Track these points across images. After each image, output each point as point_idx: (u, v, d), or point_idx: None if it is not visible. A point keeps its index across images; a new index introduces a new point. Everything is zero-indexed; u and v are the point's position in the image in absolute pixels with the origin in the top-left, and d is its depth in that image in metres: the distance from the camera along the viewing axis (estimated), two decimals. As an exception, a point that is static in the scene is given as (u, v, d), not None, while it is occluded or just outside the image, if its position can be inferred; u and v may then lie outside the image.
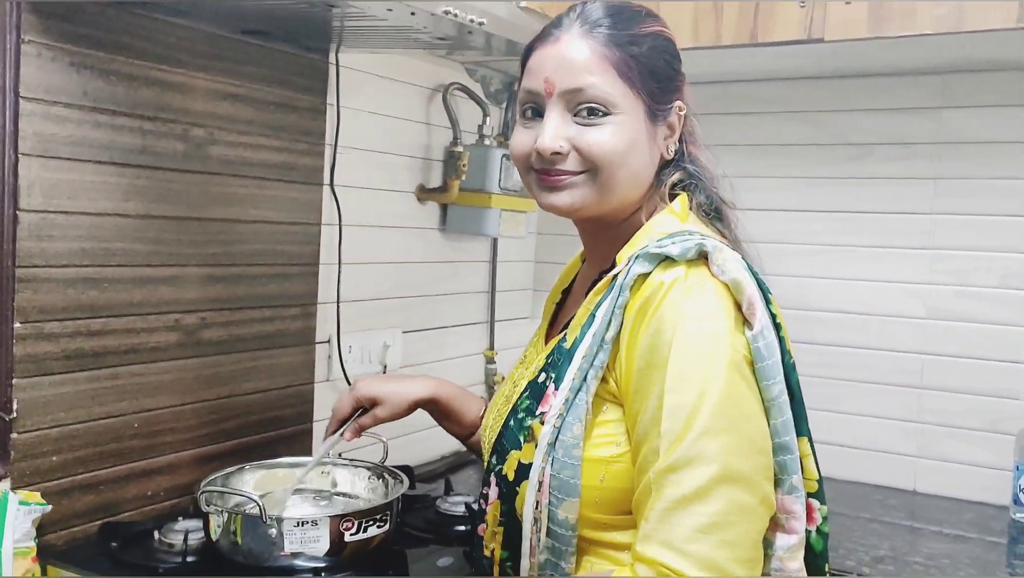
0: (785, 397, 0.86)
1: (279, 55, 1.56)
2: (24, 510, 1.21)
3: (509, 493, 0.93)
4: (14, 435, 1.24)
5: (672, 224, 0.95)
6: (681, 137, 1.00)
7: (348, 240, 1.73)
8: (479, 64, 2.05)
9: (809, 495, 0.89)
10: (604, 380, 0.90)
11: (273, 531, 1.07)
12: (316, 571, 1.10)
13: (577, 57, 0.93)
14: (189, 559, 1.19)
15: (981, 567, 1.50)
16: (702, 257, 0.88)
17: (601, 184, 0.95)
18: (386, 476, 1.31)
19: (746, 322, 0.87)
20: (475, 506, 1.44)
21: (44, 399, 1.27)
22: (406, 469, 1.39)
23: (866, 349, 1.96)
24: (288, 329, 1.65)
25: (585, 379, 0.89)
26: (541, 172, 0.96)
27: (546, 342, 1.06)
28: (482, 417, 1.27)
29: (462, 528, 1.38)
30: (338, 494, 1.34)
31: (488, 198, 1.94)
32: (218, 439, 1.53)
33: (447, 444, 2.07)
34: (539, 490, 0.89)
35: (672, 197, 0.99)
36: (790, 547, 0.86)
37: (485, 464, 1.02)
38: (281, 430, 1.65)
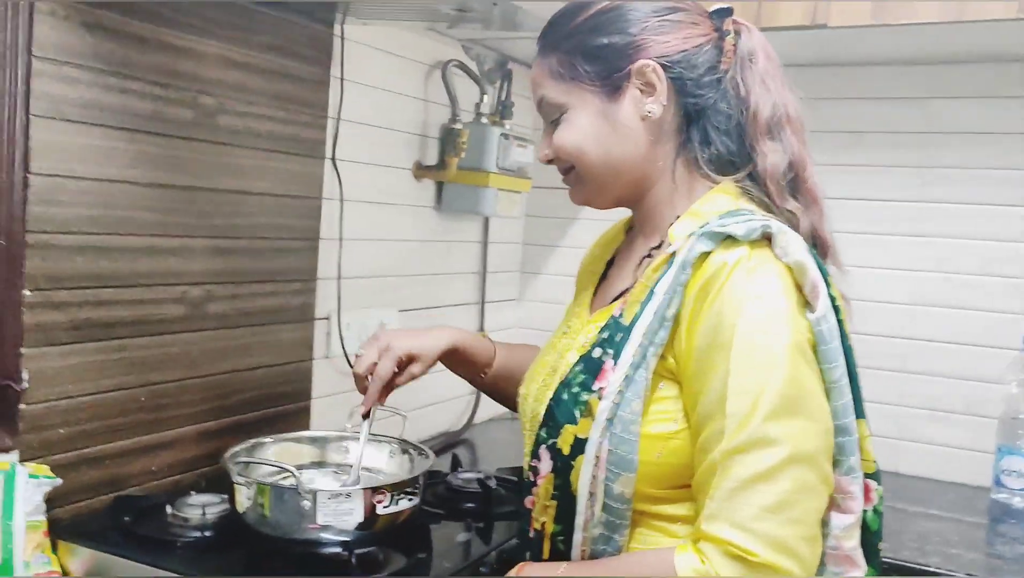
0: (846, 380, 0.88)
1: (286, 24, 1.53)
2: (34, 483, 1.18)
3: (564, 467, 0.93)
4: (23, 406, 1.20)
5: (725, 201, 0.96)
6: (684, 90, 0.99)
7: (347, 216, 1.71)
8: (474, 42, 2.03)
9: (866, 476, 0.90)
10: (663, 357, 0.90)
11: (307, 503, 1.06)
12: (345, 545, 1.09)
13: (533, 75, 1.05)
14: (207, 533, 1.17)
15: (970, 545, 1.55)
16: (765, 238, 0.89)
17: (585, 176, 1.02)
18: (411, 451, 1.30)
19: (807, 304, 0.88)
20: (491, 483, 1.45)
21: (52, 370, 1.23)
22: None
23: (852, 334, 2.00)
24: (289, 305, 1.62)
25: (645, 356, 0.90)
26: None
27: (591, 313, 1.06)
28: (493, 359, 1.28)
29: (472, 504, 1.38)
30: (363, 468, 1.32)
31: (485, 177, 1.93)
32: (220, 415, 1.50)
33: (437, 423, 2.08)
34: (596, 465, 0.89)
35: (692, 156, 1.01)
36: (846, 527, 0.88)
37: (532, 435, 1.01)
38: (281, 407, 1.62)
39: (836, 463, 0.87)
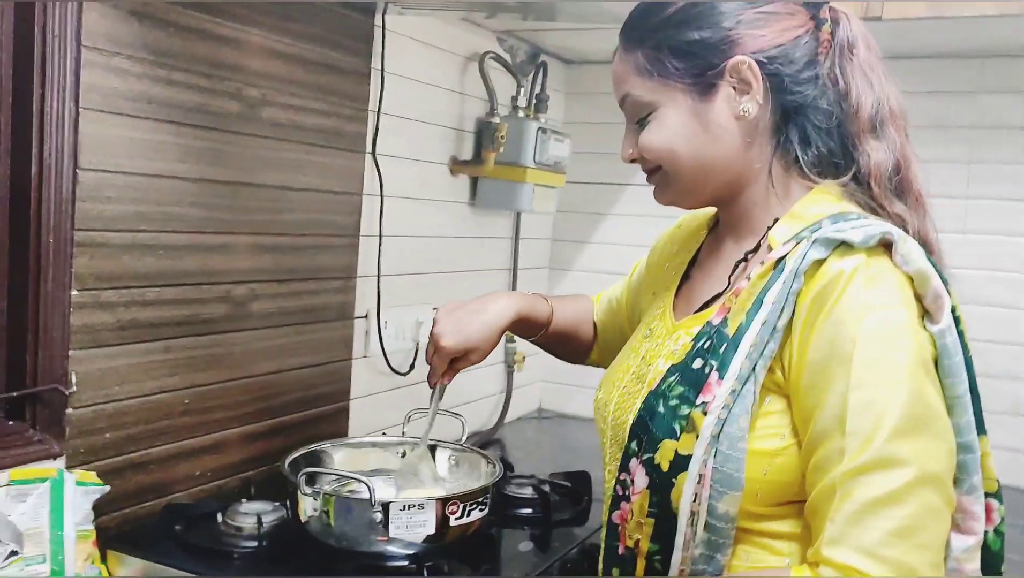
0: (968, 396, 0.83)
1: (327, 13, 1.48)
2: (81, 491, 1.13)
3: (663, 484, 0.88)
4: (70, 410, 1.15)
5: (828, 204, 0.92)
6: (782, 86, 0.93)
7: (385, 212, 1.66)
8: (508, 33, 1.99)
9: (987, 494, 0.86)
10: (771, 370, 0.86)
11: (378, 515, 1.02)
12: (413, 558, 1.04)
13: (616, 72, 0.99)
14: (264, 543, 1.12)
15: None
16: (883, 245, 0.85)
17: (674, 178, 0.97)
18: (480, 459, 1.25)
19: (926, 315, 0.84)
20: (545, 488, 1.40)
21: (99, 372, 1.18)
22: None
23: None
24: (330, 303, 1.58)
25: (753, 369, 0.85)
26: None
27: (676, 318, 1.02)
28: (551, 316, 1.25)
29: (528, 511, 1.34)
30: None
31: (523, 172, 1.89)
32: (263, 417, 1.46)
33: (468, 423, 2.03)
34: (699, 483, 0.85)
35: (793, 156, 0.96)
36: (967, 549, 0.84)
37: (618, 446, 0.97)
38: (321, 408, 1.58)
39: (957, 482, 0.83)
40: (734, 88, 0.94)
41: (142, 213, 1.22)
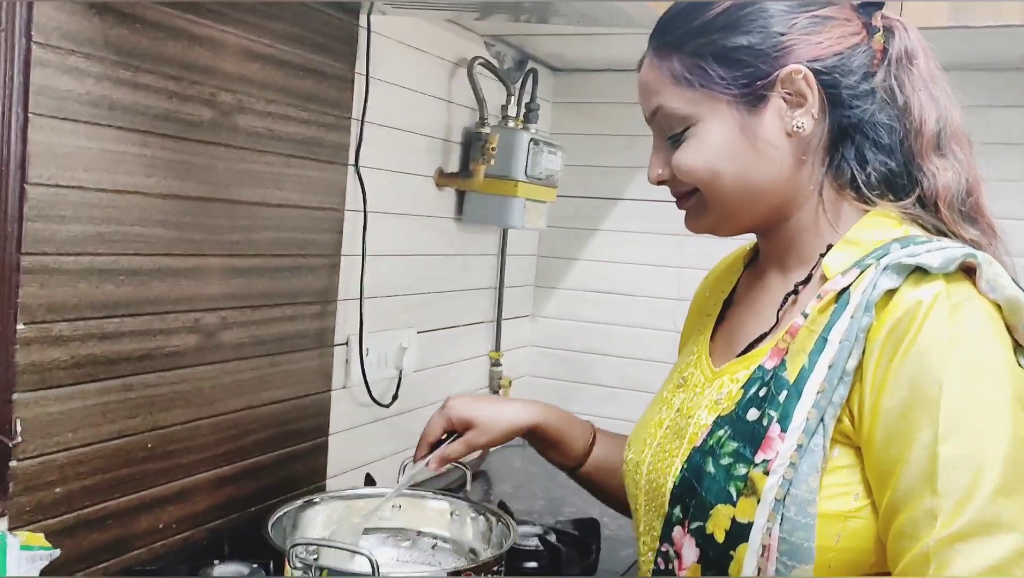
0: None
1: (310, 12, 1.34)
2: (28, 556, 0.98)
3: (719, 557, 0.76)
4: (14, 463, 1.00)
5: (889, 227, 0.81)
6: (838, 100, 0.83)
7: (370, 229, 1.52)
8: (496, 38, 1.86)
9: None
10: (838, 419, 0.74)
11: (381, 592, 0.88)
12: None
13: (646, 80, 0.89)
14: (241, 615, 0.98)
15: None
16: (963, 271, 0.74)
17: (715, 202, 0.86)
18: (488, 515, 1.12)
19: (1019, 349, 0.73)
20: (551, 538, 1.27)
21: (49, 417, 1.03)
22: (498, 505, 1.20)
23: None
24: (307, 330, 1.43)
25: (822, 419, 0.74)
26: None
27: (714, 364, 0.90)
28: (591, 448, 1.10)
29: (534, 564, 1.21)
30: (423, 534, 1.14)
31: (514, 186, 1.76)
32: (234, 458, 1.31)
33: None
34: (763, 555, 0.73)
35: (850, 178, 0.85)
36: None
37: (657, 512, 0.84)
38: (297, 445, 1.43)
39: None
40: (786, 100, 0.83)
41: (101, 234, 1.06)
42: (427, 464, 1.05)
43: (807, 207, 0.86)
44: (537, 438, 1.08)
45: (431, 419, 1.08)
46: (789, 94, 0.82)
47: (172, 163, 1.14)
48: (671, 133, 0.87)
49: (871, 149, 0.84)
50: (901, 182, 0.84)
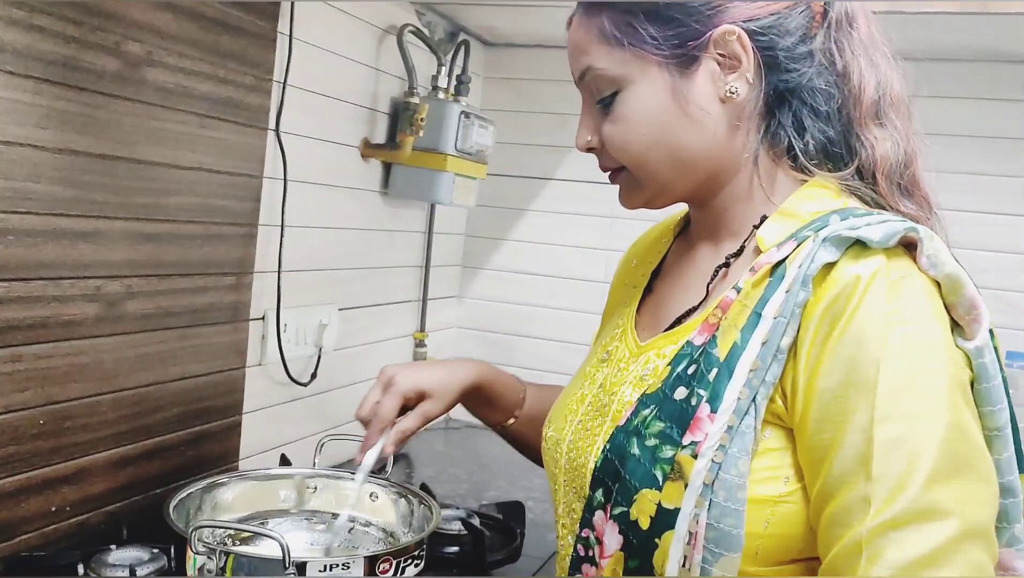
0: (1010, 427, 0.70)
1: (229, -37, 1.26)
2: None
3: (643, 545, 0.71)
4: None
5: (827, 198, 0.78)
6: (775, 63, 0.79)
7: (290, 198, 1.45)
8: (427, 6, 1.80)
9: None
10: (770, 399, 0.71)
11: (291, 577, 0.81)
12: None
13: (575, 39, 0.83)
14: (138, 605, 0.91)
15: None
16: (903, 245, 0.71)
17: (646, 174, 0.82)
18: (409, 497, 1.06)
19: (956, 329, 0.70)
20: (475, 522, 1.22)
21: (-76, 389, 0.94)
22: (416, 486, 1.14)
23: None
24: (221, 302, 1.35)
25: (754, 400, 0.70)
26: None
27: (640, 337, 0.85)
28: (523, 401, 1.06)
29: (456, 549, 1.16)
30: (337, 515, 1.08)
31: (443, 160, 1.70)
32: (138, 437, 1.22)
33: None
34: (689, 543, 0.69)
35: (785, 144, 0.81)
36: None
37: (577, 494, 0.80)
38: (208, 424, 1.35)
39: (996, 531, 0.70)
40: (719, 63, 0.78)
41: (-13, 189, 0.97)
42: (382, 449, 0.98)
43: (741, 176, 0.82)
44: (475, 397, 1.04)
45: (382, 400, 1.00)
46: (722, 55, 0.78)
47: (70, 115, 1.05)
48: (600, 96, 0.82)
49: (809, 116, 0.80)
50: (839, 151, 0.80)
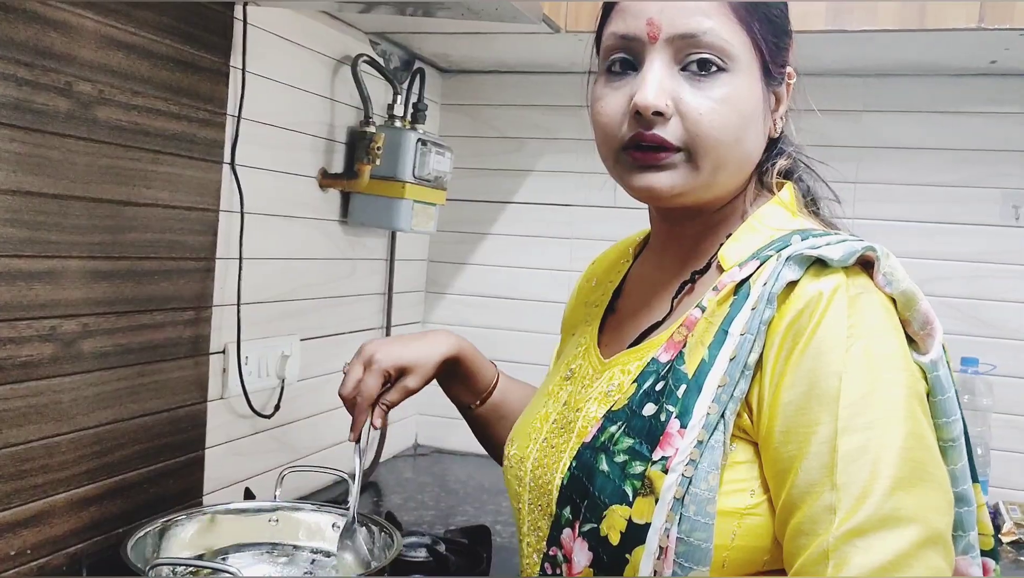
0: (963, 438, 0.73)
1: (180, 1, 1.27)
2: None
3: (613, 561, 0.73)
4: None
5: (782, 218, 0.80)
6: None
7: (247, 230, 1.45)
8: (381, 36, 1.82)
9: (983, 553, 0.76)
10: (738, 413, 0.73)
11: (253, 613, 0.82)
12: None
13: None
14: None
15: None
16: (861, 264, 0.73)
17: (709, 166, 0.78)
18: (371, 526, 1.06)
19: (911, 343, 0.73)
20: (440, 548, 1.23)
21: None
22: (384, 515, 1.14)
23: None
24: (180, 337, 1.35)
25: (723, 415, 0.72)
26: (634, 147, 0.78)
27: (604, 355, 0.87)
28: (494, 386, 1.09)
29: (420, 576, 1.16)
30: (300, 548, 1.08)
31: (401, 187, 1.71)
32: (98, 476, 1.21)
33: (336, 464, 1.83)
34: (659, 558, 0.70)
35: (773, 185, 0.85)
36: None
37: (543, 513, 0.81)
38: (170, 461, 1.34)
39: (953, 539, 0.72)
40: (776, 96, 0.83)
41: (-62, 233, 0.97)
42: (371, 424, 0.99)
43: (740, 197, 0.85)
44: (451, 371, 1.05)
45: (364, 378, 1.00)
46: (780, 92, 0.83)
47: (23, 156, 1.05)
48: (695, 65, 0.77)
49: (784, 142, 0.87)
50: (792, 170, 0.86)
